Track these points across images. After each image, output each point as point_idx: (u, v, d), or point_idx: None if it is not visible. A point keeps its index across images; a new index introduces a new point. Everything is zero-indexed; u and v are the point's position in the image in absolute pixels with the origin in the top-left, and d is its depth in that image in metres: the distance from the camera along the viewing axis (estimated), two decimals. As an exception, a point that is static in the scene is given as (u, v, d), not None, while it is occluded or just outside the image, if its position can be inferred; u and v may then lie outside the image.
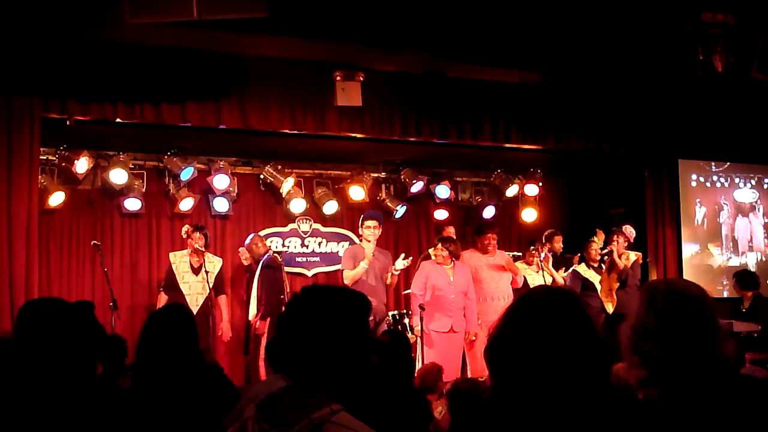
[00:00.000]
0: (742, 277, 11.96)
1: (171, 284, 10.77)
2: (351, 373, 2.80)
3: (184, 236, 10.97)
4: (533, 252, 11.79)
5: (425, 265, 10.64)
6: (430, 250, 11.04)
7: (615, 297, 11.11)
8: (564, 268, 12.04)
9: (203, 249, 10.75)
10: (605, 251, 11.33)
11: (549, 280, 11.63)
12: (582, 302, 2.66)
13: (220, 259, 11.28)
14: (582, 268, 11.57)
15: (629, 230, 11.74)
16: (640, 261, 11.68)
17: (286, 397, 2.70)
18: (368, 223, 10.84)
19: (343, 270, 10.92)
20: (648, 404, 2.66)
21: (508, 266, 11.12)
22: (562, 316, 2.53)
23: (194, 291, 10.65)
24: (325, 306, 2.82)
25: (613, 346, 2.67)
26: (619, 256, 11.25)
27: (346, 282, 10.63)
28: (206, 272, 10.58)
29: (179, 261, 10.87)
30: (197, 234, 10.78)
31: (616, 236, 11.36)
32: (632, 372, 2.70)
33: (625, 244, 11.43)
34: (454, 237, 11.56)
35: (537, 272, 11.70)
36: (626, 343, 2.76)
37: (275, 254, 11.34)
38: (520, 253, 12.00)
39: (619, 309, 10.93)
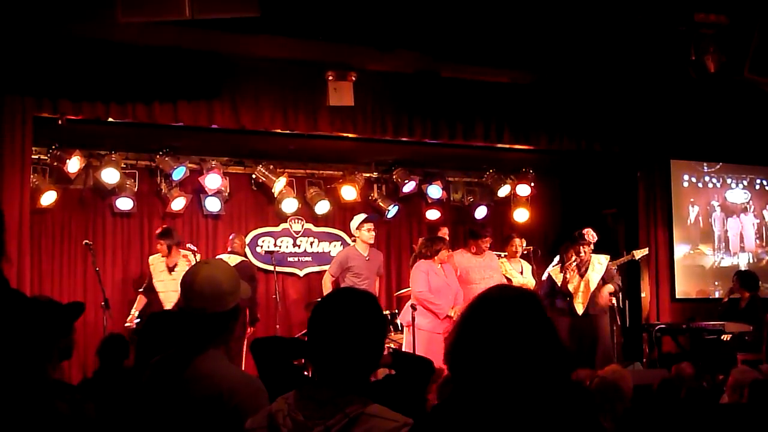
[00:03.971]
0: (744, 277, 11.94)
1: (149, 286, 10.92)
2: (373, 371, 2.99)
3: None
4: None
5: (422, 264, 10.56)
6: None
7: (587, 298, 11.00)
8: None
9: (169, 252, 10.85)
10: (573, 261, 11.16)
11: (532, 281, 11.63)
12: (541, 302, 2.66)
13: (189, 254, 11.14)
14: (555, 271, 11.48)
15: (590, 234, 11.53)
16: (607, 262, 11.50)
17: (317, 393, 2.84)
18: (368, 225, 10.96)
19: (327, 272, 11.00)
20: None
21: None
22: (519, 315, 2.54)
23: (168, 289, 10.64)
24: (362, 310, 2.93)
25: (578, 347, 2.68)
26: (584, 264, 11.13)
27: (324, 284, 10.97)
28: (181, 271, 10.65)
29: (157, 262, 10.96)
30: (161, 243, 10.91)
31: (581, 247, 11.15)
32: None
33: (590, 249, 11.25)
34: (446, 238, 11.56)
35: (521, 273, 11.70)
36: None
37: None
38: (506, 252, 11.97)
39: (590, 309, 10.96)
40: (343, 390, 2.81)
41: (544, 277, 11.62)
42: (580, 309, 10.90)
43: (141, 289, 11.02)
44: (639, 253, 12.16)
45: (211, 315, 3.45)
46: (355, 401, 2.79)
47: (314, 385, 2.88)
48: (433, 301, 10.14)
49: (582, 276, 11.00)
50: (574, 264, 11.09)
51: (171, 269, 10.81)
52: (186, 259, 10.93)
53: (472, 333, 2.55)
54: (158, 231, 11.05)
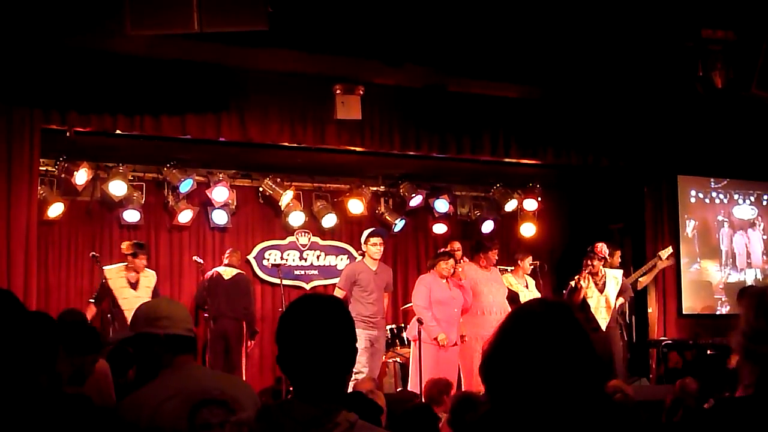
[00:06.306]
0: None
1: (103, 298, 10.64)
2: (348, 378, 2.80)
3: (126, 253, 10.81)
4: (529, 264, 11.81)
5: (425, 277, 10.57)
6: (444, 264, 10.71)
7: (609, 314, 11.02)
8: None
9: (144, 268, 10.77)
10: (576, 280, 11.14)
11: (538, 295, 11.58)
12: (576, 315, 2.63)
13: (154, 273, 11.07)
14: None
15: (602, 249, 11.51)
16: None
17: (296, 411, 2.64)
18: (374, 240, 10.79)
19: (336, 286, 10.93)
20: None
21: None
22: (556, 329, 2.50)
23: (133, 306, 10.48)
24: (327, 315, 2.73)
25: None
26: (596, 275, 11.13)
27: None
28: (146, 287, 10.66)
29: (115, 276, 10.69)
30: (141, 256, 10.74)
31: (589, 260, 11.15)
32: (747, 377, 2.66)
33: (601, 264, 11.24)
34: (458, 252, 11.53)
35: (525, 287, 11.66)
36: (738, 349, 2.70)
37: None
38: (512, 267, 11.93)
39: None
40: (324, 406, 2.62)
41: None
42: (603, 325, 10.95)
43: (92, 300, 10.71)
44: (665, 253, 12.26)
45: (187, 336, 3.90)
46: (341, 418, 2.61)
47: (293, 401, 2.68)
48: (427, 322, 10.17)
49: (601, 292, 11.01)
50: (587, 277, 11.04)
51: (134, 285, 10.69)
52: (147, 277, 10.84)
53: (509, 346, 2.52)
54: (133, 245, 10.84)
